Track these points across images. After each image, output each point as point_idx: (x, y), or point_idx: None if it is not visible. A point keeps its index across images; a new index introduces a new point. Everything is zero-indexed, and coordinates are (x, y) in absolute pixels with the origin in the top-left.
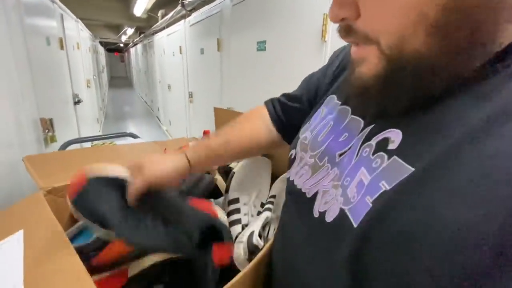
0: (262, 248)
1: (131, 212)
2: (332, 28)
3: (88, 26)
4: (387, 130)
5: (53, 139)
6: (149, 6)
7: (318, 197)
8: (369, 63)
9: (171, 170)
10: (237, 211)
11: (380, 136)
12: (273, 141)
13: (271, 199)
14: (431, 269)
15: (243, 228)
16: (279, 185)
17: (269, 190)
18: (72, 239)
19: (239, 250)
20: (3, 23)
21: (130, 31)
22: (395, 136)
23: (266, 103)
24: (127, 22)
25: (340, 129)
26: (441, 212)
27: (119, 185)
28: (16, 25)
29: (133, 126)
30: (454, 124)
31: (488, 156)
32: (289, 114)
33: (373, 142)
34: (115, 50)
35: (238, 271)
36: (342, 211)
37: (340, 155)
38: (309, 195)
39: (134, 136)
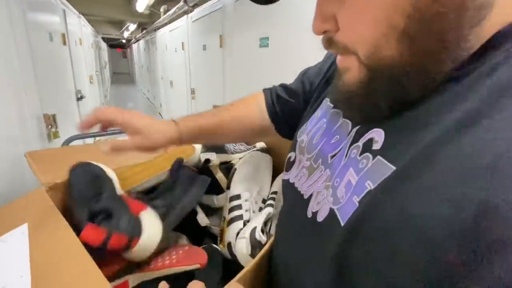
0: (265, 244)
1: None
2: None
3: (90, 22)
4: (371, 130)
5: (56, 135)
6: (151, 1)
7: (312, 198)
8: (352, 72)
9: (164, 140)
10: (239, 207)
11: (366, 137)
12: (265, 128)
13: (273, 195)
14: (406, 264)
15: (244, 224)
16: (281, 182)
17: (271, 187)
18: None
19: (242, 246)
20: (6, 18)
21: (132, 27)
22: (378, 136)
23: (265, 90)
24: (129, 18)
25: (332, 131)
26: (412, 211)
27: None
28: (19, 20)
29: None
30: (432, 123)
31: (461, 154)
32: (284, 107)
33: (360, 143)
34: (117, 46)
35: (241, 267)
36: (331, 210)
37: (332, 156)
38: (305, 197)
39: None
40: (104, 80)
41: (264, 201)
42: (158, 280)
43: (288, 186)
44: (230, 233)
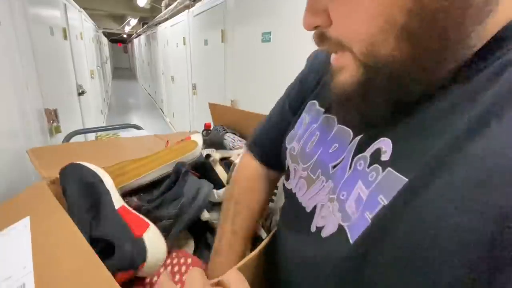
0: (265, 238)
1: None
2: None
3: (91, 16)
4: (377, 140)
5: (57, 130)
6: None
7: (316, 211)
8: (348, 71)
9: None
10: None
11: (373, 148)
12: (273, 182)
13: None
14: (429, 278)
15: None
16: (281, 178)
17: None
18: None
19: None
20: (7, 12)
21: (133, 21)
22: (386, 146)
23: (249, 147)
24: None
25: (328, 139)
26: (429, 224)
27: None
28: (19, 14)
29: (137, 118)
30: (440, 129)
31: (474, 159)
32: (272, 144)
33: (367, 154)
34: (118, 41)
35: None
36: (340, 227)
37: (334, 166)
38: (308, 210)
39: (137, 127)
40: (106, 75)
41: None
42: None
43: (289, 196)
44: None
